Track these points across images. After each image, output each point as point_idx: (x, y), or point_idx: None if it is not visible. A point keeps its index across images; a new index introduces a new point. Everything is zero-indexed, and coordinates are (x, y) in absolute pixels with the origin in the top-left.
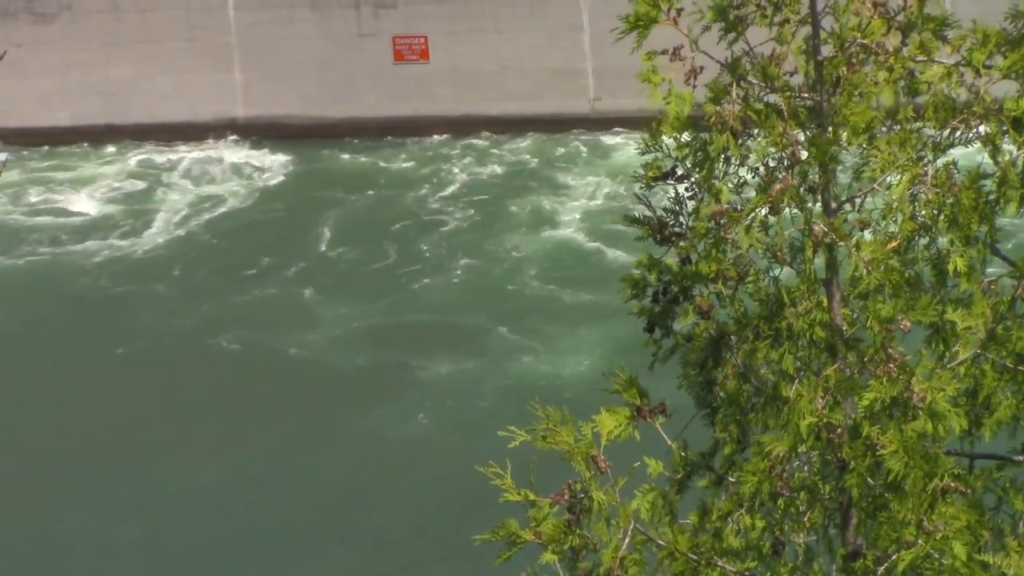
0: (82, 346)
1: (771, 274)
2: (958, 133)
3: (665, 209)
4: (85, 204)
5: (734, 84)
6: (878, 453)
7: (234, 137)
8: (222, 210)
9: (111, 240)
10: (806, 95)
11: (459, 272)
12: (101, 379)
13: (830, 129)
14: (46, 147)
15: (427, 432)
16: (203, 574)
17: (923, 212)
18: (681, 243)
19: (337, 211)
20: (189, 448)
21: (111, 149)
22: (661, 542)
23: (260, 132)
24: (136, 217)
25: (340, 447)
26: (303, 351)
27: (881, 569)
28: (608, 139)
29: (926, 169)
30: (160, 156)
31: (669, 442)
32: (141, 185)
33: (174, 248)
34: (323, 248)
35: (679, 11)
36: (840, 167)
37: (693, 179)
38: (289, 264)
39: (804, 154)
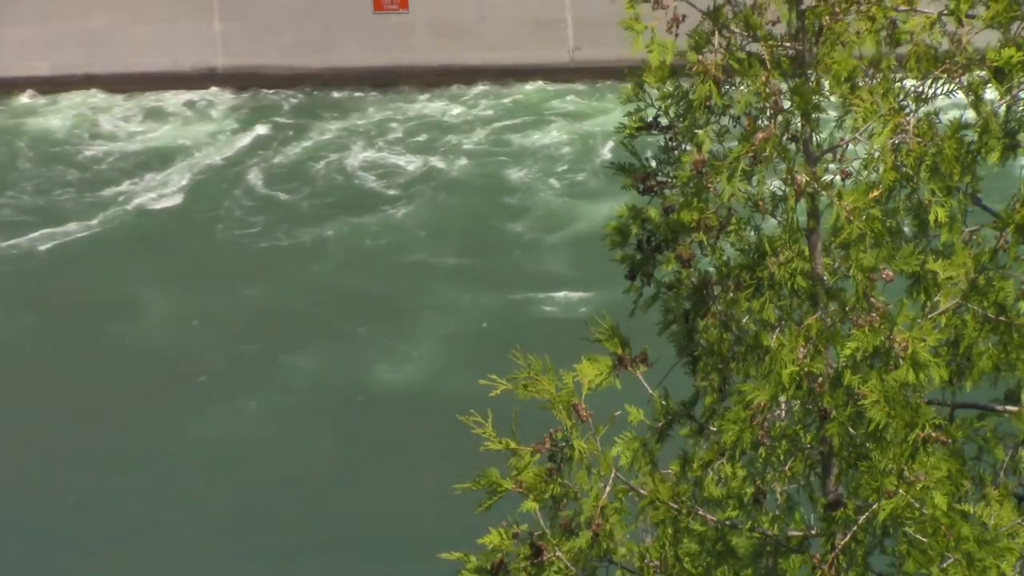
0: None
1: (753, 224)
2: (940, 83)
3: (648, 159)
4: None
5: (716, 33)
6: (859, 402)
7: (214, 87)
8: (137, 172)
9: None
10: (788, 44)
11: (354, 251)
12: None
13: (813, 78)
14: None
15: (262, 431)
16: None
17: (905, 162)
18: (665, 192)
19: (254, 177)
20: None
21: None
22: (642, 491)
23: (240, 82)
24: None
25: (169, 445)
26: (139, 340)
27: (862, 518)
28: (588, 88)
29: (908, 119)
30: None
31: (650, 391)
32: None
33: (52, 215)
34: (219, 223)
35: None
36: (823, 115)
37: (676, 129)
38: (171, 240)
39: (787, 103)
